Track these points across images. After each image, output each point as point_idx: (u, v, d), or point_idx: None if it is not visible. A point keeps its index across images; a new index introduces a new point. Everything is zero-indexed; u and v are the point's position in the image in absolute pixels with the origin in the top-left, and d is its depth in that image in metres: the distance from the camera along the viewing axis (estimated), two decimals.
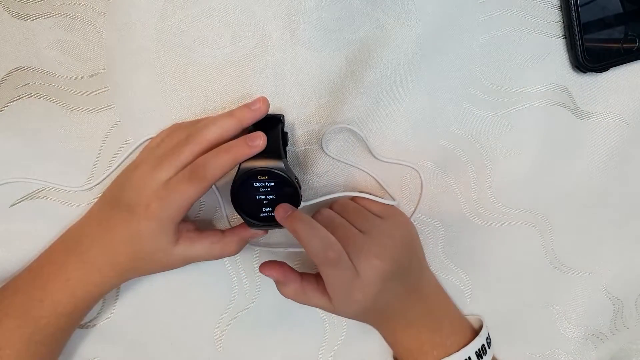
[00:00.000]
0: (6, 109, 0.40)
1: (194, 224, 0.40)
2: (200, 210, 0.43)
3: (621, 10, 0.40)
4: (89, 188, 0.41)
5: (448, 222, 0.44)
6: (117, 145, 0.41)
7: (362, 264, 0.35)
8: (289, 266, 0.38)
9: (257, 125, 0.36)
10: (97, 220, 0.39)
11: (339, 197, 0.42)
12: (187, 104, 0.39)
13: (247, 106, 0.36)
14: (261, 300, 0.46)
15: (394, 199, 0.42)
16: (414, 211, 0.43)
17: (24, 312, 0.37)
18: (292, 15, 0.37)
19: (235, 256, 0.40)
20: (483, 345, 0.41)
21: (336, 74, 0.39)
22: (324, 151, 0.41)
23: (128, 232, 0.36)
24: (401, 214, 0.41)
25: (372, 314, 0.39)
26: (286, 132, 0.39)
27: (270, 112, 0.37)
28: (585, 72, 0.40)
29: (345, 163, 0.42)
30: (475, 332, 0.42)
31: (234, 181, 0.35)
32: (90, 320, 0.45)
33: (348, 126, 0.40)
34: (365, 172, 0.42)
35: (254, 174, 0.35)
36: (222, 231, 0.39)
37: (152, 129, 0.40)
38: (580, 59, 0.39)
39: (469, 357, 0.39)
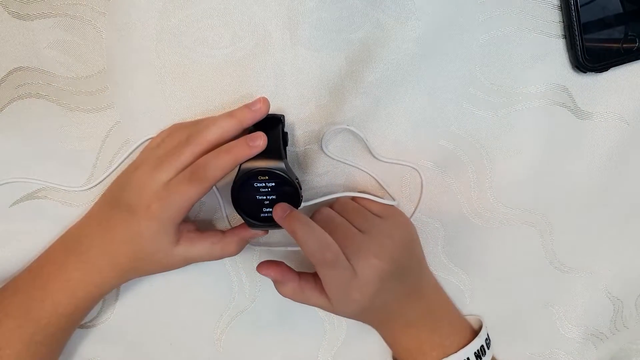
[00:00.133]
0: (6, 109, 0.40)
1: (194, 224, 0.40)
2: (200, 210, 0.43)
3: (621, 10, 0.40)
4: (89, 188, 0.41)
5: (448, 222, 0.44)
6: (117, 145, 0.41)
7: (361, 264, 0.35)
8: (287, 265, 0.38)
9: (258, 126, 0.36)
10: (97, 220, 0.39)
11: (339, 197, 0.42)
12: (187, 104, 0.39)
13: (247, 107, 0.36)
14: (261, 300, 0.46)
15: (394, 199, 0.42)
16: (414, 211, 0.43)
17: (24, 312, 0.37)
18: (292, 15, 0.37)
19: (235, 256, 0.40)
20: (482, 346, 0.41)
21: (336, 74, 0.39)
22: (323, 152, 0.41)
23: (128, 232, 0.36)
24: (401, 214, 0.41)
25: (371, 314, 0.39)
26: (286, 132, 0.39)
27: (270, 112, 0.37)
28: (585, 72, 0.40)
29: (346, 163, 0.42)
30: (475, 333, 0.42)
31: (235, 181, 0.35)
32: (90, 320, 0.45)
33: (348, 127, 0.40)
34: (365, 172, 0.42)
35: (255, 174, 0.35)
36: (223, 231, 0.39)
37: (152, 129, 0.40)
38: (580, 59, 0.39)
39: (468, 358, 0.39)
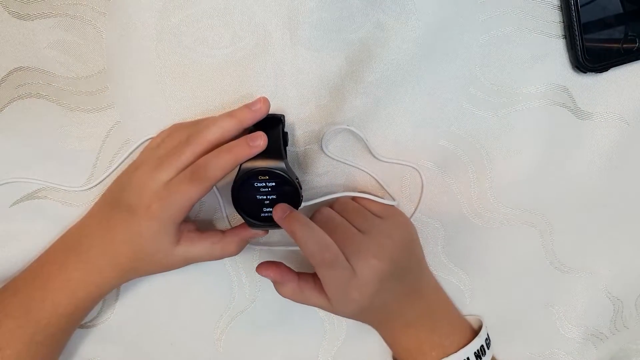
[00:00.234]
0: (6, 109, 0.40)
1: (194, 224, 0.40)
2: (200, 210, 0.43)
3: (621, 11, 0.40)
4: (89, 188, 0.41)
5: (448, 222, 0.44)
6: (118, 145, 0.41)
7: (360, 264, 0.35)
8: (286, 266, 0.38)
9: (258, 126, 0.36)
10: (98, 220, 0.39)
11: (339, 197, 0.42)
12: (187, 104, 0.39)
13: (247, 107, 0.36)
14: (261, 300, 0.46)
15: (394, 199, 0.42)
16: (414, 211, 0.43)
17: (24, 313, 0.37)
18: (292, 15, 0.37)
19: (235, 256, 0.40)
20: (482, 346, 0.41)
21: (336, 74, 0.39)
22: (324, 152, 0.41)
23: (129, 232, 0.36)
24: (401, 214, 0.41)
25: (370, 314, 0.39)
26: (286, 132, 0.39)
27: (270, 112, 0.37)
28: (585, 72, 0.40)
29: (346, 163, 0.42)
30: (475, 333, 0.42)
31: (235, 181, 0.35)
32: (91, 320, 0.45)
33: (348, 127, 0.40)
34: (365, 172, 0.42)
35: (255, 174, 0.35)
36: (223, 231, 0.39)
37: (152, 129, 0.40)
38: (581, 59, 0.39)
39: (468, 358, 0.39)
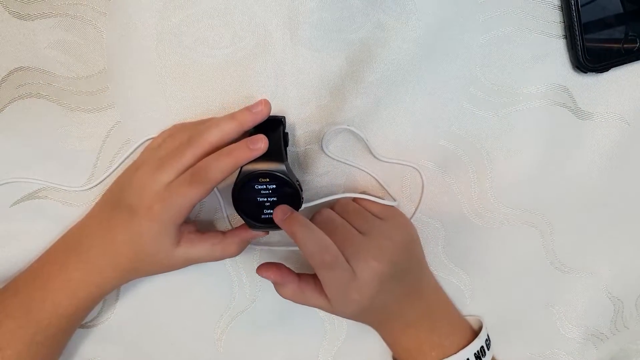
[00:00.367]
0: (6, 109, 0.40)
1: (195, 225, 0.40)
2: (200, 210, 0.43)
3: (621, 11, 0.40)
4: (90, 188, 0.41)
5: (448, 222, 0.44)
6: (118, 145, 0.41)
7: (360, 265, 0.35)
8: (286, 267, 0.38)
9: (259, 127, 0.36)
10: (98, 220, 0.39)
11: (339, 198, 0.41)
12: (188, 104, 0.39)
13: (248, 109, 0.36)
14: (261, 300, 0.46)
15: (394, 199, 0.42)
16: (414, 211, 0.43)
17: (25, 313, 0.37)
18: (292, 15, 0.37)
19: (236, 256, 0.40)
20: (482, 346, 0.41)
21: (337, 74, 0.39)
22: (324, 152, 0.41)
23: (129, 233, 0.36)
24: (401, 215, 0.41)
25: (370, 314, 0.39)
26: (287, 133, 0.39)
27: (271, 113, 0.37)
28: (585, 72, 0.40)
29: (346, 163, 0.42)
30: (475, 333, 0.42)
31: (235, 183, 0.35)
32: (91, 320, 0.45)
33: (348, 127, 0.40)
34: (365, 172, 0.42)
35: (256, 176, 0.35)
36: (223, 232, 0.39)
37: (153, 129, 0.40)
38: (581, 59, 0.39)
39: (468, 359, 0.39)
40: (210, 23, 0.38)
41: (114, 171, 0.41)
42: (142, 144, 0.40)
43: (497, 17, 0.39)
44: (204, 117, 0.40)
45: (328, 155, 0.41)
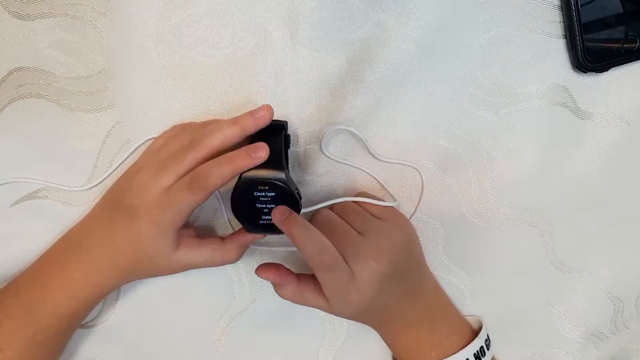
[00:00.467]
0: (6, 109, 0.40)
1: (194, 230, 0.40)
2: (200, 211, 0.43)
3: (621, 10, 0.40)
4: (90, 188, 0.41)
5: (448, 222, 0.44)
6: (118, 145, 0.41)
7: (359, 266, 0.35)
8: (286, 268, 0.38)
9: (261, 132, 0.36)
10: (99, 221, 0.39)
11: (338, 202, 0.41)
12: (188, 104, 0.39)
13: (251, 113, 0.36)
14: (261, 300, 0.46)
15: (394, 199, 0.42)
16: (414, 211, 0.43)
17: (25, 313, 0.37)
18: (292, 15, 0.37)
19: None
20: (482, 347, 0.41)
21: (337, 74, 0.39)
22: (323, 153, 0.41)
23: (129, 234, 0.36)
24: (400, 215, 0.41)
25: (370, 315, 0.39)
26: (289, 135, 0.39)
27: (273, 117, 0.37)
28: (585, 72, 0.40)
29: (346, 164, 0.42)
30: (475, 333, 0.42)
31: (235, 189, 0.35)
32: (91, 320, 0.45)
33: (347, 127, 0.40)
34: (365, 172, 0.42)
35: (255, 183, 0.35)
36: (222, 238, 0.39)
37: (153, 129, 0.40)
38: (581, 59, 0.39)
39: (467, 359, 0.39)
40: (210, 23, 0.38)
41: (114, 171, 0.41)
42: (142, 144, 0.40)
43: (497, 17, 0.40)
44: (204, 117, 0.40)
45: (327, 156, 0.41)
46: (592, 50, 0.39)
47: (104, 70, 0.39)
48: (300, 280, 0.38)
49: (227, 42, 0.38)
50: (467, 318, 0.45)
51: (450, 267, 0.45)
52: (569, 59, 0.40)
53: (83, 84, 0.39)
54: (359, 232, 0.37)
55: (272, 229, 0.35)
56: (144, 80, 0.39)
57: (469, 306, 0.46)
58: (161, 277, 0.39)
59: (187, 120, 0.40)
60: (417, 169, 0.42)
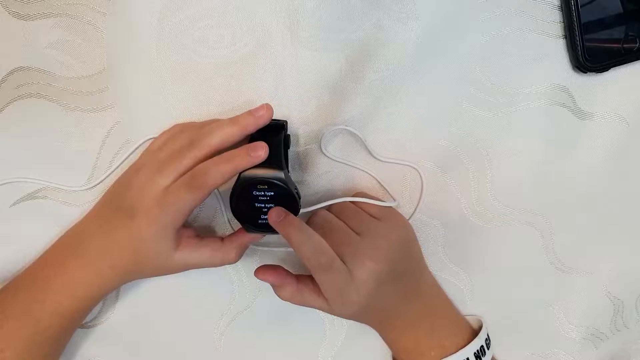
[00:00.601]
0: (6, 109, 0.40)
1: (194, 230, 0.40)
2: (200, 210, 0.43)
3: (621, 11, 0.40)
4: (89, 188, 0.41)
5: (448, 222, 0.44)
6: (118, 145, 0.41)
7: (357, 266, 0.35)
8: (285, 269, 0.38)
9: (260, 131, 0.36)
10: (98, 221, 0.39)
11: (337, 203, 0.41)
12: (188, 104, 0.39)
13: (250, 113, 0.36)
14: (261, 300, 0.46)
15: (394, 199, 0.42)
16: (414, 211, 0.43)
17: (24, 313, 0.37)
18: (292, 15, 0.37)
19: None
20: (482, 346, 0.41)
21: (336, 74, 0.39)
22: (323, 153, 0.41)
23: (129, 235, 0.35)
24: (398, 215, 0.41)
25: (369, 315, 0.39)
26: (289, 135, 0.38)
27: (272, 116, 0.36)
28: (585, 72, 0.40)
29: (346, 164, 0.42)
30: (475, 333, 0.42)
31: (234, 188, 0.35)
32: (91, 320, 0.45)
33: (346, 127, 0.40)
34: (365, 172, 0.42)
35: (254, 183, 0.35)
36: (222, 239, 0.39)
37: (153, 129, 0.40)
38: (581, 59, 0.39)
39: (468, 358, 0.39)
40: (210, 23, 0.38)
41: (113, 171, 0.41)
42: (142, 144, 0.40)
43: (497, 17, 0.39)
44: (204, 117, 0.40)
45: (327, 156, 0.41)
46: (592, 51, 0.39)
47: (104, 70, 0.39)
48: (299, 281, 0.38)
49: (227, 42, 0.38)
50: (467, 318, 0.45)
51: (450, 267, 0.45)
52: (568, 59, 0.40)
53: (83, 84, 0.39)
54: (356, 233, 0.37)
55: (271, 228, 0.35)
56: (144, 80, 0.39)
57: (469, 306, 0.46)
58: (161, 277, 0.39)
59: (187, 120, 0.40)
60: (416, 169, 0.42)
